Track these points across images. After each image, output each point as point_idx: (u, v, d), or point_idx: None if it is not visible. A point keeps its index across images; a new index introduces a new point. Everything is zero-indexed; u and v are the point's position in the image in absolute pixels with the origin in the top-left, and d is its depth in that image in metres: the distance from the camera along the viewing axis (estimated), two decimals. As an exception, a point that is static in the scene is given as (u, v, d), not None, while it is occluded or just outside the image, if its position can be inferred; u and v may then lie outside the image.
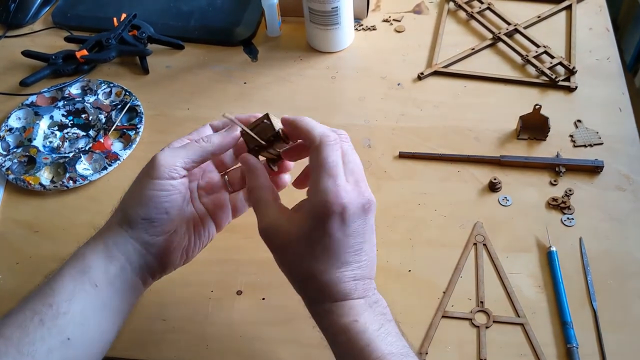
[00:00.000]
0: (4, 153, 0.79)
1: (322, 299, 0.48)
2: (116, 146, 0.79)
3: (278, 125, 0.52)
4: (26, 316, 0.46)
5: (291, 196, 0.53)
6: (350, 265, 0.47)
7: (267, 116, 0.53)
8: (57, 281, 0.48)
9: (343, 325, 0.46)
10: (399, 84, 0.84)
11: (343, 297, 0.47)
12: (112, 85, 0.86)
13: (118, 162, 0.77)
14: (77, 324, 0.47)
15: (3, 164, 0.77)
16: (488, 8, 0.92)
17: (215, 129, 0.56)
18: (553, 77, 0.81)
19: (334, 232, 0.46)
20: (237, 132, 0.53)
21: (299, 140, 0.53)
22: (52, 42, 0.94)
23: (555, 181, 0.72)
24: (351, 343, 0.46)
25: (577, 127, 0.77)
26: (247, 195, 0.53)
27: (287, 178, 0.58)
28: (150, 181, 0.50)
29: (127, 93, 0.84)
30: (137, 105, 0.83)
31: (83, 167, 0.77)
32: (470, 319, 0.62)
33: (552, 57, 0.84)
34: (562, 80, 0.82)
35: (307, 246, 0.47)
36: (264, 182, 0.51)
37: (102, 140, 0.79)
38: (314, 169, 0.47)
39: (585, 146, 0.75)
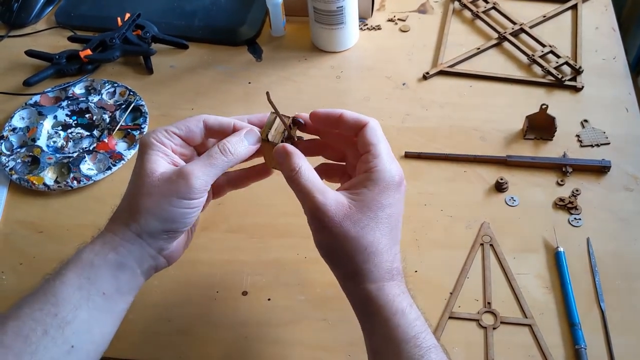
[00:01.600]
0: (8, 153, 0.78)
1: (381, 276, 0.48)
2: (120, 146, 0.79)
3: (287, 120, 0.53)
4: (27, 325, 0.45)
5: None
6: (398, 244, 0.50)
7: (276, 114, 0.53)
8: (61, 289, 0.47)
9: (399, 309, 0.47)
10: (404, 84, 0.84)
11: (398, 277, 0.49)
12: (116, 85, 0.85)
13: (122, 162, 0.77)
14: (81, 332, 0.46)
15: (7, 164, 0.77)
16: (493, 7, 0.92)
17: (210, 127, 0.53)
18: (559, 76, 0.81)
19: (396, 202, 0.49)
20: (258, 138, 0.53)
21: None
22: (56, 42, 0.94)
23: (562, 181, 0.71)
24: (402, 329, 0.46)
25: (583, 127, 0.77)
26: (289, 180, 0.51)
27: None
28: (182, 201, 0.49)
29: (131, 93, 0.84)
30: (142, 105, 0.82)
31: (87, 167, 0.76)
32: (477, 320, 0.61)
33: (558, 56, 0.84)
34: (569, 80, 0.81)
35: (373, 218, 0.48)
36: (307, 164, 0.50)
37: (106, 140, 0.78)
38: (373, 145, 0.50)
39: (592, 146, 0.74)
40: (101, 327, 0.48)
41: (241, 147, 0.52)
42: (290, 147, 0.51)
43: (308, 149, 0.55)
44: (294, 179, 0.49)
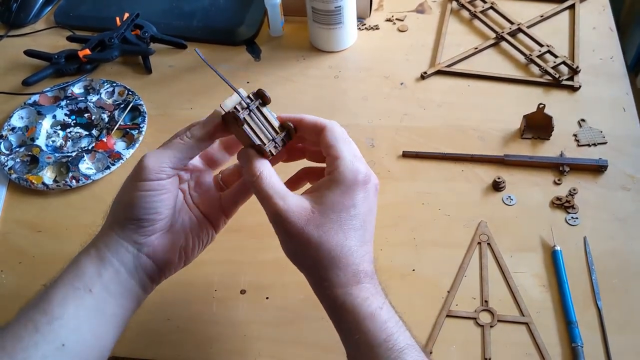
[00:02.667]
0: (7, 152, 0.78)
1: (347, 280, 0.47)
2: (119, 145, 0.79)
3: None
4: (21, 324, 0.45)
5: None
6: (369, 244, 0.48)
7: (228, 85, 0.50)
8: (52, 288, 0.48)
9: (368, 313, 0.46)
10: (402, 84, 0.84)
11: (366, 279, 0.47)
12: (114, 84, 0.85)
13: (121, 161, 0.77)
14: (71, 329, 0.46)
15: (6, 164, 0.77)
16: (491, 7, 0.92)
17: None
18: (557, 76, 0.81)
19: (361, 201, 0.48)
20: (218, 119, 0.50)
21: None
22: (55, 42, 0.94)
23: (559, 180, 0.71)
24: (372, 334, 0.45)
25: (580, 126, 0.77)
26: (251, 186, 0.50)
27: None
28: (138, 183, 0.49)
29: (130, 92, 0.84)
30: (140, 105, 0.83)
31: (86, 166, 0.76)
32: (474, 319, 0.62)
33: (555, 56, 0.84)
34: (566, 79, 0.82)
35: (336, 221, 0.47)
36: (269, 168, 0.50)
37: (105, 139, 0.79)
38: (332, 147, 0.49)
39: (589, 145, 0.75)
40: (91, 327, 0.48)
41: (196, 128, 0.51)
42: (251, 151, 0.50)
43: (290, 152, 0.55)
44: (255, 184, 0.49)
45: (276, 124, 0.51)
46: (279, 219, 0.47)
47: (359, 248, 0.48)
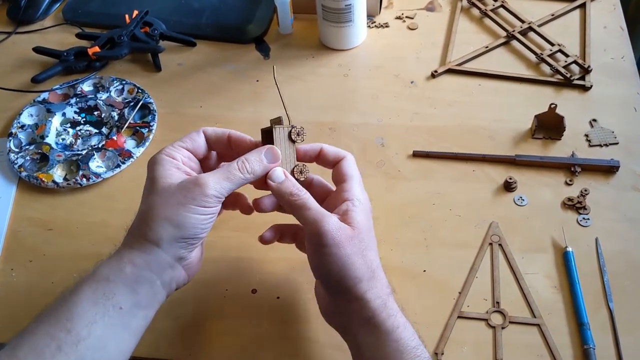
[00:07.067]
0: (17, 150, 0.78)
1: (382, 292, 0.51)
2: (129, 144, 0.79)
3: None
4: (42, 341, 0.45)
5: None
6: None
7: (270, 128, 0.55)
8: (76, 304, 0.47)
9: (401, 323, 0.50)
10: (412, 82, 0.84)
11: (391, 293, 0.52)
12: (124, 82, 0.85)
13: (131, 159, 0.77)
14: (96, 348, 0.46)
15: (16, 161, 0.77)
16: (502, 6, 0.92)
17: (208, 138, 0.56)
18: (568, 75, 0.81)
19: (372, 226, 0.54)
20: (278, 160, 0.54)
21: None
22: (63, 39, 0.94)
23: (570, 181, 0.71)
24: (404, 341, 0.49)
25: (592, 126, 0.77)
26: (290, 206, 0.53)
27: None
28: (196, 208, 0.49)
29: (140, 90, 0.84)
30: (150, 103, 0.83)
31: (96, 164, 0.76)
32: (486, 320, 0.61)
33: (566, 55, 0.84)
34: (577, 79, 0.81)
35: (366, 239, 0.52)
36: (312, 199, 0.53)
37: (115, 137, 0.79)
38: (350, 176, 0.55)
39: (600, 146, 0.74)
40: (118, 344, 0.48)
41: (259, 165, 0.53)
42: (287, 173, 0.54)
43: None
44: (298, 205, 0.52)
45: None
46: (330, 237, 0.50)
47: (379, 263, 0.53)
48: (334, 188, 0.57)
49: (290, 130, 0.55)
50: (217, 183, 0.50)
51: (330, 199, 0.56)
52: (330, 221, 0.50)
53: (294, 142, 0.55)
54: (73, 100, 0.84)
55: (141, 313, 0.49)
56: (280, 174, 0.53)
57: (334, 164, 0.56)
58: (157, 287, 0.50)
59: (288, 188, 0.53)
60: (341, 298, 0.52)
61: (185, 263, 0.52)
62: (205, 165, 0.58)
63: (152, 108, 0.82)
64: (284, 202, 0.53)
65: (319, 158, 0.57)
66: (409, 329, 0.50)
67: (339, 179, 0.55)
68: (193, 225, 0.50)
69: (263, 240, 0.58)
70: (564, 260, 0.65)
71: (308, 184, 0.58)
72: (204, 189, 0.49)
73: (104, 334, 0.46)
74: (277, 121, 0.55)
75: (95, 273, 0.49)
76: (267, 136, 0.55)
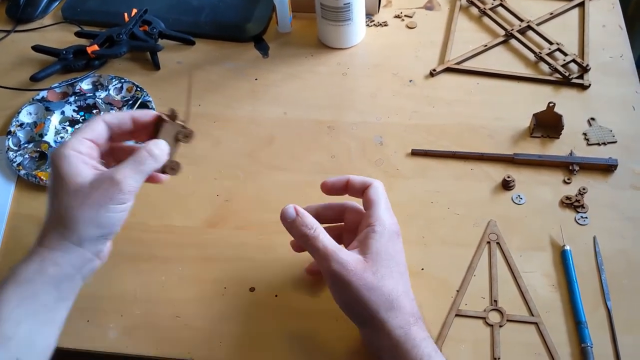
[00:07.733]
0: (15, 148, 0.78)
1: (405, 321, 0.51)
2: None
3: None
4: None
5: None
6: (411, 290, 0.55)
7: (161, 118, 0.58)
8: (1, 308, 0.48)
9: (426, 353, 0.50)
10: (411, 81, 0.84)
11: (419, 321, 0.52)
12: (123, 80, 0.85)
13: (130, 158, 0.77)
14: (24, 345, 0.48)
15: (14, 160, 0.77)
16: (500, 4, 0.92)
17: (109, 124, 0.56)
18: (566, 74, 0.81)
19: (399, 250, 0.55)
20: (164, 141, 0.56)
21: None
22: (62, 37, 0.94)
23: (568, 179, 0.71)
24: None
25: (590, 125, 0.77)
26: (304, 241, 0.54)
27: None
28: (115, 207, 0.51)
29: (138, 89, 0.84)
30: (149, 101, 0.83)
31: (95, 163, 0.76)
32: (484, 318, 0.62)
33: (565, 54, 0.84)
34: (576, 77, 0.81)
35: (387, 266, 0.52)
36: (319, 225, 0.54)
37: (113, 136, 0.79)
38: (376, 202, 0.56)
39: (598, 144, 0.75)
40: (45, 339, 0.50)
41: (158, 150, 0.55)
42: (300, 209, 0.55)
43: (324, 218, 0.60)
44: (312, 241, 0.53)
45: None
46: (340, 271, 0.51)
47: (408, 291, 0.53)
48: None
49: (179, 130, 0.58)
50: (131, 178, 0.52)
51: (361, 225, 0.57)
52: (339, 258, 0.51)
53: (178, 141, 0.58)
54: (72, 99, 0.83)
55: (64, 305, 0.52)
56: (292, 212, 0.55)
57: (362, 192, 0.58)
58: (77, 280, 0.53)
59: (299, 226, 0.54)
60: (366, 328, 0.54)
61: (103, 254, 0.55)
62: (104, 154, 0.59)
63: (150, 106, 0.82)
64: (296, 239, 0.55)
65: (348, 189, 0.59)
66: (436, 358, 0.50)
67: (366, 205, 0.57)
68: (113, 223, 0.52)
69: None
70: (562, 259, 0.65)
71: (343, 211, 0.60)
72: (121, 187, 0.51)
73: (30, 333, 0.49)
74: (173, 116, 0.58)
75: (16, 275, 0.50)
76: (157, 126, 0.58)
